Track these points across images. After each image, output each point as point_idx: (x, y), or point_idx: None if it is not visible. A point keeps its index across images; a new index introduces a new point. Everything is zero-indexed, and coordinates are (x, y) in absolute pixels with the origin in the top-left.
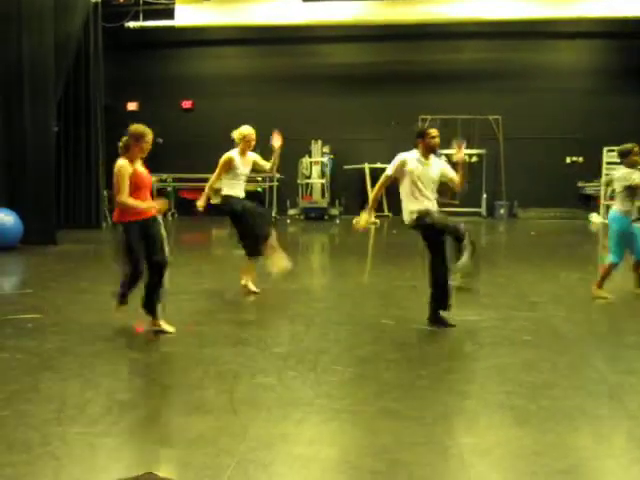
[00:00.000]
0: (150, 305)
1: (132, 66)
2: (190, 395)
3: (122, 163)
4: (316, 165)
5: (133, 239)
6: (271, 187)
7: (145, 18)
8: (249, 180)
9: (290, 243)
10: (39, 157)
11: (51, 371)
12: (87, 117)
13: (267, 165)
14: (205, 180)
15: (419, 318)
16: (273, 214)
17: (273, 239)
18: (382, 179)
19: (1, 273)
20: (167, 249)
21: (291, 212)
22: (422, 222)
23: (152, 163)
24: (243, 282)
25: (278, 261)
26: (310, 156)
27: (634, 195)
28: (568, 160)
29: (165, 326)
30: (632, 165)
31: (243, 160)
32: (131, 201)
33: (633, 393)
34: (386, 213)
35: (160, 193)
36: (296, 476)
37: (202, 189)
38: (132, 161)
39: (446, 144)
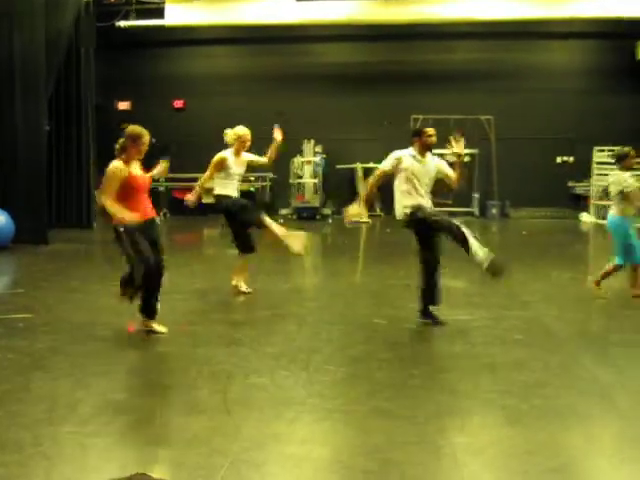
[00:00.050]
0: (148, 309)
1: (123, 65)
2: (183, 395)
3: (116, 165)
4: (308, 165)
5: (135, 237)
6: (264, 186)
7: (136, 17)
8: (242, 180)
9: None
10: (30, 156)
11: (42, 371)
12: (78, 116)
13: (262, 159)
14: (197, 180)
15: (411, 317)
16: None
17: (274, 225)
18: (377, 175)
19: None
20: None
21: (283, 212)
22: (415, 217)
23: (143, 163)
24: (234, 282)
25: (294, 241)
26: (302, 156)
27: (627, 199)
28: (559, 160)
29: (157, 327)
30: (628, 169)
31: (237, 160)
32: (108, 204)
33: (624, 392)
34: (378, 212)
35: (151, 193)
36: (289, 475)
37: (194, 188)
38: (128, 162)
39: (439, 144)
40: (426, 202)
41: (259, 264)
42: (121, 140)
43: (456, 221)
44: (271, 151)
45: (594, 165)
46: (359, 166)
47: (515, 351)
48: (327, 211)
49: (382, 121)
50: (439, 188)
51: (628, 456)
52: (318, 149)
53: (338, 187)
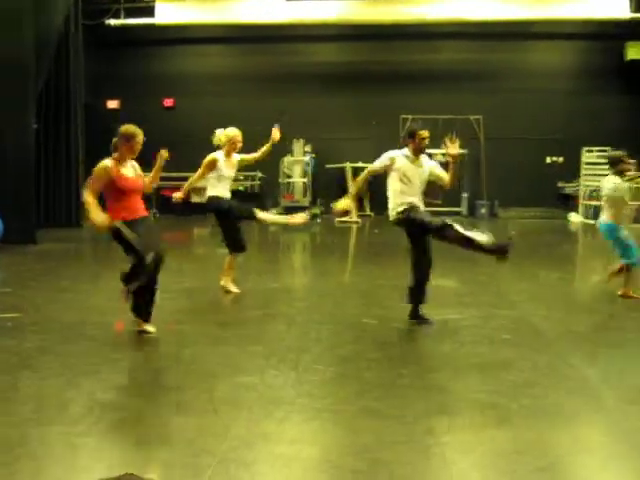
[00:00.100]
0: (138, 308)
1: (113, 64)
2: (172, 395)
3: (105, 164)
4: (298, 164)
5: (128, 234)
6: (253, 186)
7: (126, 16)
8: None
9: (271, 242)
10: (18, 155)
11: (31, 370)
12: (67, 115)
13: (255, 155)
14: (186, 179)
15: (400, 317)
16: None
17: (269, 217)
18: (367, 172)
19: None
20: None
21: (273, 211)
22: (406, 216)
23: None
24: (222, 283)
25: (291, 218)
26: (292, 155)
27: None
28: (548, 160)
29: (146, 326)
30: (620, 173)
31: (228, 162)
32: (89, 200)
33: (611, 391)
34: (368, 212)
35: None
36: (278, 475)
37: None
38: (121, 161)
39: (429, 144)
40: (418, 202)
41: (249, 264)
42: (114, 139)
43: (449, 220)
44: (266, 147)
45: (583, 165)
46: (348, 165)
47: (503, 351)
48: (316, 210)
49: (371, 121)
50: (431, 189)
51: (614, 452)
52: (307, 148)
53: (327, 186)
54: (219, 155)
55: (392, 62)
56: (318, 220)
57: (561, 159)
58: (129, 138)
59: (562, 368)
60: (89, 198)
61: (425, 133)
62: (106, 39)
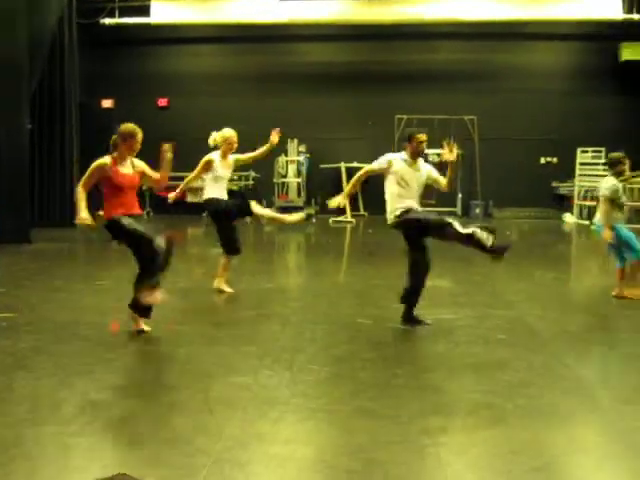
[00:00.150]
0: (136, 304)
1: (107, 63)
2: (165, 395)
3: (102, 160)
4: (292, 164)
5: (128, 225)
6: (247, 186)
7: (121, 15)
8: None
9: (266, 242)
10: (13, 155)
11: (25, 370)
12: (61, 114)
13: (253, 154)
14: (181, 179)
15: (395, 317)
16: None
17: (266, 212)
18: (363, 172)
19: None
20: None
21: (267, 210)
22: (404, 218)
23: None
24: (215, 284)
25: (289, 217)
26: (286, 155)
27: (614, 204)
28: (543, 160)
29: (143, 325)
30: (618, 174)
31: (224, 163)
32: (79, 192)
33: (606, 391)
34: (362, 212)
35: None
36: (272, 475)
37: (176, 187)
38: (120, 160)
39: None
40: (415, 205)
41: (243, 264)
42: (114, 137)
43: (448, 219)
44: (264, 149)
45: (578, 166)
46: (343, 166)
47: (499, 351)
48: (311, 210)
49: (366, 121)
50: (428, 192)
51: (609, 452)
52: (302, 148)
53: (322, 187)
54: (215, 156)
55: (387, 62)
56: (313, 220)
57: (555, 159)
58: (126, 137)
59: (557, 368)
60: (80, 192)
61: (423, 137)
62: (101, 38)
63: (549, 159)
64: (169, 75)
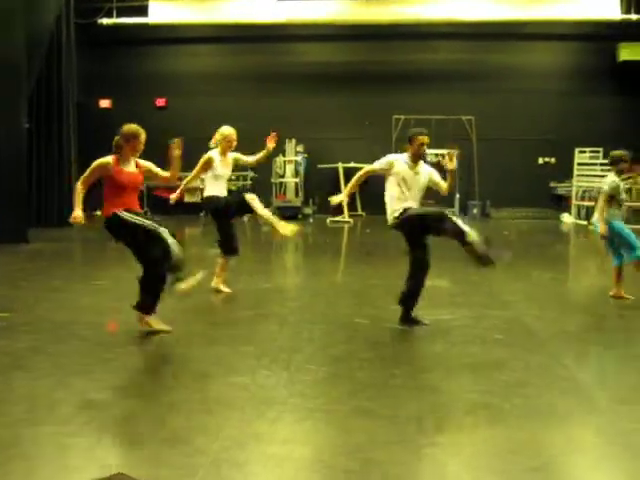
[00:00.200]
0: (143, 301)
1: (105, 63)
2: (164, 395)
3: (105, 159)
4: (290, 164)
5: (130, 220)
6: (245, 186)
7: (119, 15)
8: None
9: (263, 242)
10: (10, 154)
11: (23, 370)
12: (59, 114)
13: (251, 159)
14: (180, 179)
15: (393, 317)
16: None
17: (262, 209)
18: (364, 171)
19: None
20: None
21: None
22: (404, 216)
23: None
24: (213, 284)
25: (283, 227)
26: (284, 155)
27: (617, 202)
28: (540, 161)
29: (156, 325)
30: (619, 172)
31: (223, 161)
32: (77, 188)
33: (603, 391)
34: (360, 212)
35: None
36: (270, 475)
37: (176, 187)
38: (124, 161)
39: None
40: (415, 207)
41: (241, 264)
42: (117, 138)
43: (447, 211)
44: (261, 155)
45: (575, 166)
46: (341, 166)
47: (496, 351)
48: (308, 210)
49: (364, 121)
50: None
51: (606, 452)
52: (300, 148)
53: (320, 187)
54: (214, 154)
55: (385, 62)
56: (310, 220)
57: (553, 160)
58: (129, 138)
59: (555, 368)
60: (78, 189)
61: (424, 139)
62: (98, 38)
63: (547, 159)
64: (167, 75)
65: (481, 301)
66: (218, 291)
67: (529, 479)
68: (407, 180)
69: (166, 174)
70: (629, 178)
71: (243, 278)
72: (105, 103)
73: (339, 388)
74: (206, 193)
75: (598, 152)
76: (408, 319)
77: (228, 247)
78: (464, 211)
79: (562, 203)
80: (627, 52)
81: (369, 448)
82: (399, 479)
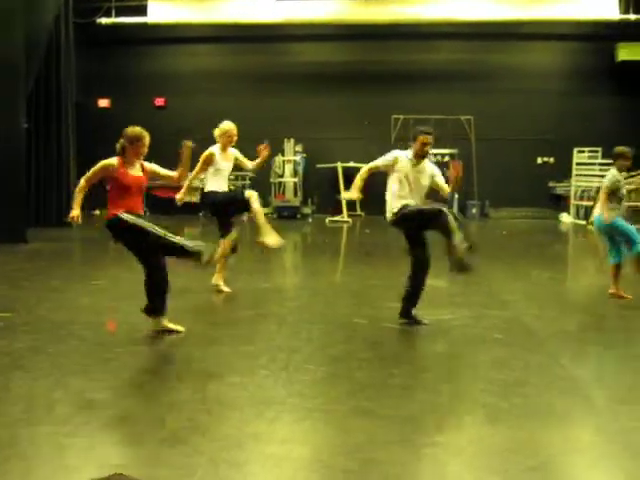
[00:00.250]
0: (152, 306)
1: (104, 62)
2: (162, 394)
3: (109, 161)
4: (289, 164)
5: (134, 222)
6: (243, 186)
7: (117, 14)
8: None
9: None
10: (9, 154)
11: (22, 370)
12: (58, 114)
13: (249, 165)
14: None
15: (391, 317)
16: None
17: (259, 209)
18: (369, 167)
19: None
20: None
21: (264, 211)
22: (403, 212)
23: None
24: (214, 280)
25: (270, 235)
26: (283, 155)
27: (617, 197)
28: (539, 160)
29: (166, 323)
30: (620, 168)
31: (224, 156)
32: (80, 185)
33: (601, 390)
34: (359, 212)
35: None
36: (268, 475)
37: (174, 187)
38: (128, 164)
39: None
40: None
41: (240, 263)
42: (121, 141)
43: (444, 208)
44: (258, 162)
45: (574, 166)
46: (339, 165)
47: (495, 350)
48: (307, 210)
49: (363, 121)
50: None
51: (605, 452)
52: (298, 148)
53: (318, 186)
54: (215, 149)
55: (384, 62)
56: (309, 220)
57: (552, 159)
58: (133, 141)
59: (553, 368)
60: (80, 186)
61: (426, 139)
62: (97, 38)
63: (546, 159)
64: (166, 75)
65: (480, 301)
66: (219, 291)
67: (528, 478)
68: (409, 178)
69: (173, 174)
70: (631, 177)
71: (242, 277)
72: (104, 103)
73: (338, 388)
74: (205, 188)
75: (597, 152)
76: (409, 316)
77: (226, 233)
78: (463, 211)
79: (561, 203)
80: (626, 52)
81: (368, 448)
82: (398, 479)
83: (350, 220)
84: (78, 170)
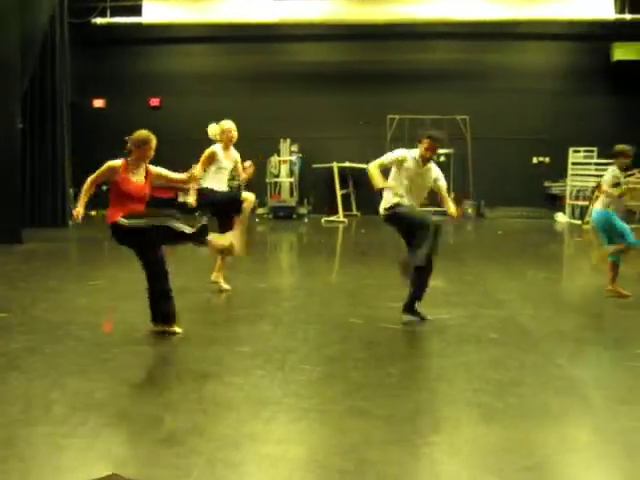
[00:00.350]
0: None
1: (99, 62)
2: (159, 394)
3: (113, 162)
4: (285, 164)
5: (133, 226)
6: (239, 186)
7: (112, 14)
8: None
9: (259, 242)
10: (4, 154)
11: (18, 371)
12: (53, 114)
13: (242, 175)
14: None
15: (387, 317)
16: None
17: (246, 216)
18: (375, 167)
19: None
20: None
21: (259, 211)
22: (392, 212)
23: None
24: (213, 277)
25: (241, 246)
26: (279, 155)
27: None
28: (535, 160)
29: (173, 327)
30: (619, 166)
31: (226, 154)
32: (86, 185)
33: (597, 389)
34: (355, 212)
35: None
36: (264, 475)
37: (173, 188)
38: (133, 167)
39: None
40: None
41: (237, 263)
42: (128, 145)
43: (431, 221)
44: (242, 179)
45: (570, 165)
46: (335, 165)
47: (490, 350)
48: (303, 210)
49: (358, 120)
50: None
51: (600, 452)
52: (294, 148)
53: (314, 186)
54: (217, 148)
55: (379, 62)
56: (305, 220)
57: (548, 159)
58: (139, 144)
59: (549, 367)
60: (87, 185)
61: (429, 144)
62: (92, 38)
63: (541, 159)
64: (161, 75)
65: (476, 300)
66: (220, 290)
67: (523, 478)
68: (411, 177)
69: (181, 176)
70: (626, 176)
71: (239, 277)
72: (99, 103)
73: (334, 388)
74: (203, 184)
75: (592, 152)
76: (412, 310)
77: (225, 228)
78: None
79: (556, 202)
80: (621, 52)
81: (364, 448)
82: (394, 479)
83: (346, 220)
84: (73, 170)
